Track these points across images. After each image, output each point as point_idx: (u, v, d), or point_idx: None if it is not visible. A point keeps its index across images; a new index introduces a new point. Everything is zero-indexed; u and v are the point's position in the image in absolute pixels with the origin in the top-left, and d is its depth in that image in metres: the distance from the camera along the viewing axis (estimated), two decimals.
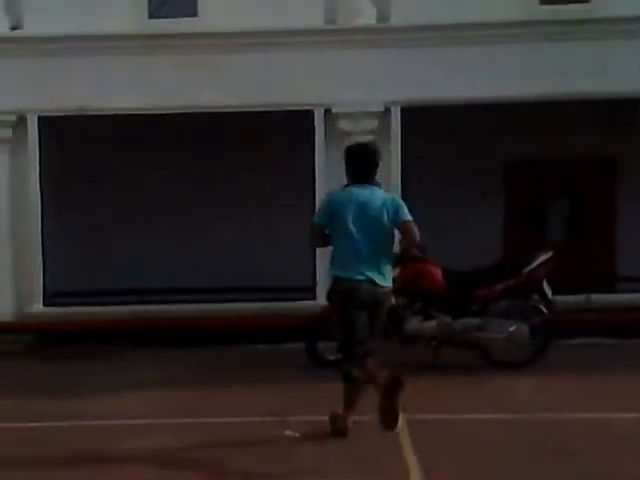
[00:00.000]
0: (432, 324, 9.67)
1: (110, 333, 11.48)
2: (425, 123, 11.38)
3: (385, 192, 7.26)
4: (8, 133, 11.90)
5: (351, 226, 6.97)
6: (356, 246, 6.99)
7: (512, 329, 9.54)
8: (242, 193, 12.58)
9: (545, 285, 9.74)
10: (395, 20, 11.55)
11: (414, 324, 9.70)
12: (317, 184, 11.58)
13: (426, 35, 11.35)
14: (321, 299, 11.21)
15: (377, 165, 7.21)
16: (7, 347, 11.62)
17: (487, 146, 12.45)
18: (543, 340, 9.65)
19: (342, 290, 7.13)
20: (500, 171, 13.09)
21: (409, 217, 7.09)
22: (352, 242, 6.99)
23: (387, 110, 11.55)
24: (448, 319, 9.66)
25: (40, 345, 11.69)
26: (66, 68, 11.63)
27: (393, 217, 7.02)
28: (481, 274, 9.72)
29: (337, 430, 7.27)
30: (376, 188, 7.14)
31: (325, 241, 7.32)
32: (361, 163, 7.19)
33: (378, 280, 7.09)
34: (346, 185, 7.19)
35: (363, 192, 7.06)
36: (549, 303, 9.76)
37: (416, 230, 7.09)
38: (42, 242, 11.88)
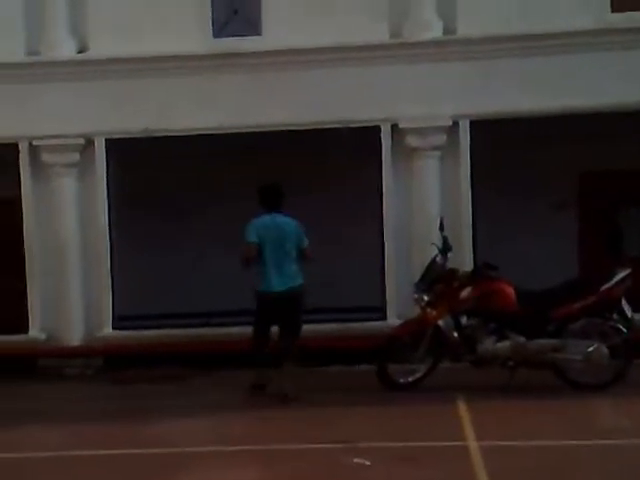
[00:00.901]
0: (506, 345, 9.38)
1: (179, 356, 11.37)
2: (495, 136, 11.09)
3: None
4: (76, 157, 11.91)
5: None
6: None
7: (590, 350, 9.20)
8: (309, 211, 12.32)
9: (624, 303, 9.38)
10: (462, 32, 11.30)
11: (488, 345, 9.42)
12: (385, 200, 11.39)
13: (494, 47, 11.10)
14: (391, 319, 11.09)
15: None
16: (77, 371, 11.69)
17: (560, 158, 12.09)
18: (623, 361, 9.28)
19: None
20: (575, 184, 12.69)
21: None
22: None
23: (455, 124, 11.31)
24: (523, 340, 9.35)
25: (110, 369, 11.64)
26: (132, 90, 11.61)
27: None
28: (556, 293, 9.39)
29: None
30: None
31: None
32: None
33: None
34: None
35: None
36: (629, 322, 9.38)
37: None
38: (111, 265, 11.85)
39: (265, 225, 9.52)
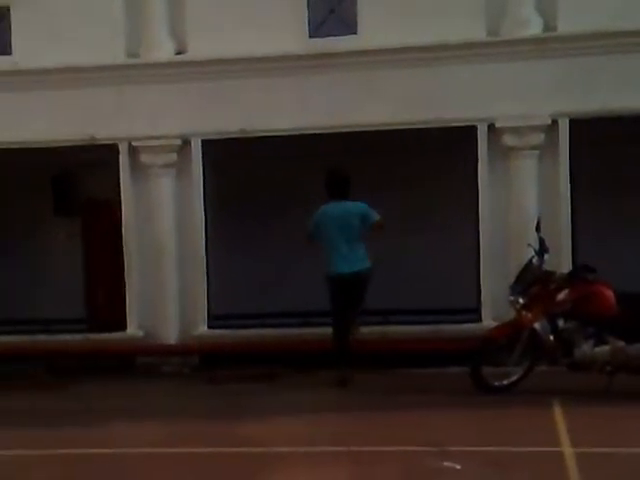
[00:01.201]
0: (605, 349, 9.14)
1: (274, 355, 11.41)
2: (595, 135, 10.86)
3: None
4: (173, 157, 12.03)
5: None
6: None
7: None
8: (404, 210, 12.30)
9: None
10: (562, 29, 11.06)
11: (586, 349, 9.20)
12: (481, 200, 11.22)
13: (595, 43, 10.83)
14: (487, 321, 10.92)
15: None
16: (174, 369, 11.83)
17: None
18: None
19: None
20: None
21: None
22: None
23: (554, 123, 11.08)
24: (622, 344, 9.09)
25: (205, 367, 11.74)
26: (228, 91, 11.67)
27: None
28: None
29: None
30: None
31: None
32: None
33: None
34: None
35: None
36: None
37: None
38: (206, 264, 11.94)
39: (326, 213, 10.20)
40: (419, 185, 12.28)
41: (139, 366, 11.97)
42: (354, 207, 10.15)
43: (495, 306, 10.80)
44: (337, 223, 10.11)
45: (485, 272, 11.17)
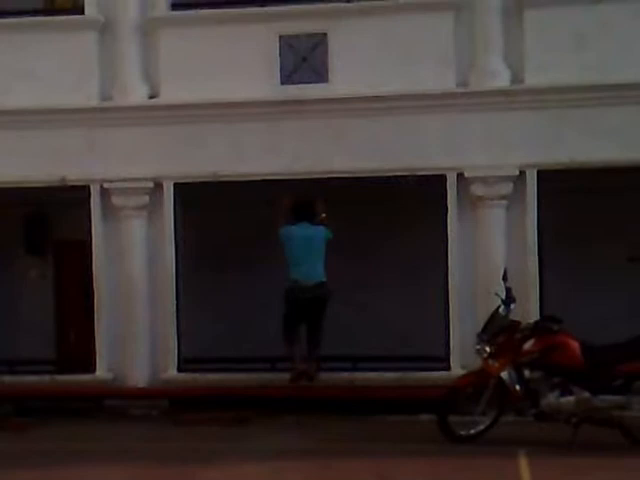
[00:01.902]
0: (570, 400, 9.22)
1: (243, 400, 11.41)
2: (563, 185, 11.04)
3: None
4: (145, 200, 12.09)
5: None
6: None
7: None
8: (371, 258, 12.42)
9: None
10: (530, 81, 11.24)
11: (551, 399, 9.28)
12: (450, 249, 11.34)
13: (562, 97, 11.01)
14: (456, 369, 11.02)
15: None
16: (143, 412, 11.79)
17: (633, 209, 11.80)
18: None
19: None
20: None
21: None
22: None
23: (522, 173, 11.25)
24: (587, 395, 9.20)
25: (174, 410, 11.71)
26: (200, 135, 11.79)
27: None
28: (623, 348, 9.21)
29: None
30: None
31: None
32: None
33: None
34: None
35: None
36: None
37: None
38: (177, 307, 11.97)
39: (292, 233, 11.23)
40: (389, 232, 12.35)
41: (107, 408, 11.94)
42: (318, 231, 11.22)
43: (464, 354, 10.89)
44: (303, 243, 11.13)
45: (454, 320, 11.27)
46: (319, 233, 11.22)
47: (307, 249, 11.12)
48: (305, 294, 11.12)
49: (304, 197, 11.35)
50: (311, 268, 11.11)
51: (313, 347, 11.29)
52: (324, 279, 11.16)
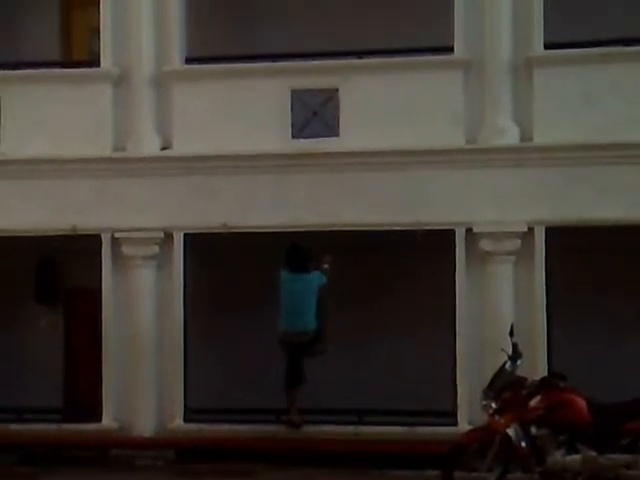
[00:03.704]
0: (576, 458, 9.14)
1: (251, 451, 11.41)
2: (572, 242, 11.11)
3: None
4: (155, 250, 12.17)
5: None
6: None
7: None
8: (380, 309, 12.46)
9: None
10: (538, 139, 11.34)
11: (557, 457, 9.20)
12: (457, 303, 11.38)
13: (570, 155, 11.11)
14: (462, 425, 10.99)
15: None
16: (148, 462, 11.77)
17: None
18: None
19: None
20: None
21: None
22: None
23: (530, 229, 11.31)
24: (594, 454, 9.15)
25: (181, 461, 11.72)
26: (212, 187, 11.91)
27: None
28: (631, 406, 9.15)
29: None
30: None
31: None
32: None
33: None
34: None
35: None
36: None
37: None
38: (184, 357, 12.00)
39: (287, 283, 11.33)
40: (396, 285, 12.42)
41: (113, 458, 11.93)
42: (313, 279, 11.30)
43: (471, 410, 10.85)
44: (294, 294, 11.24)
45: (461, 375, 11.26)
46: (311, 282, 11.28)
47: (296, 300, 11.23)
48: (292, 339, 11.28)
49: (300, 246, 11.44)
50: (299, 318, 11.23)
51: (293, 382, 11.43)
52: (313, 327, 11.26)
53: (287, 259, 11.44)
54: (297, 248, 11.42)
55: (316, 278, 11.29)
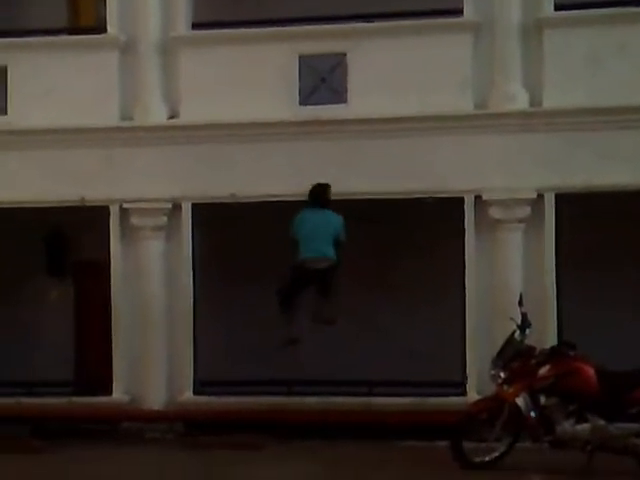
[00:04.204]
0: (586, 427, 9.03)
1: (260, 424, 11.33)
2: (582, 209, 10.92)
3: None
4: (163, 220, 12.07)
5: None
6: None
7: None
8: (389, 279, 12.34)
9: None
10: (548, 104, 11.14)
11: (566, 427, 9.08)
12: (467, 272, 11.22)
13: (581, 119, 10.91)
14: (472, 395, 10.87)
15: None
16: (158, 435, 11.74)
17: None
18: None
19: None
20: None
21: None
22: None
23: (540, 197, 11.13)
24: (603, 423, 9.00)
25: (190, 434, 11.66)
26: (219, 155, 11.75)
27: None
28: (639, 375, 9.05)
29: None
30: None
31: None
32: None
33: None
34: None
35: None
36: None
37: None
38: (194, 329, 11.92)
39: (306, 215, 10.95)
40: (406, 254, 12.27)
41: (124, 431, 11.90)
42: (333, 217, 10.90)
43: (480, 380, 10.71)
44: (313, 226, 10.80)
45: (470, 345, 11.14)
46: (331, 218, 10.89)
47: (317, 231, 10.80)
48: (314, 265, 10.73)
49: (324, 184, 11.05)
50: (320, 246, 10.75)
51: (326, 295, 10.84)
52: (332, 255, 10.76)
53: (310, 195, 11.07)
54: (321, 185, 11.07)
55: (335, 219, 10.90)
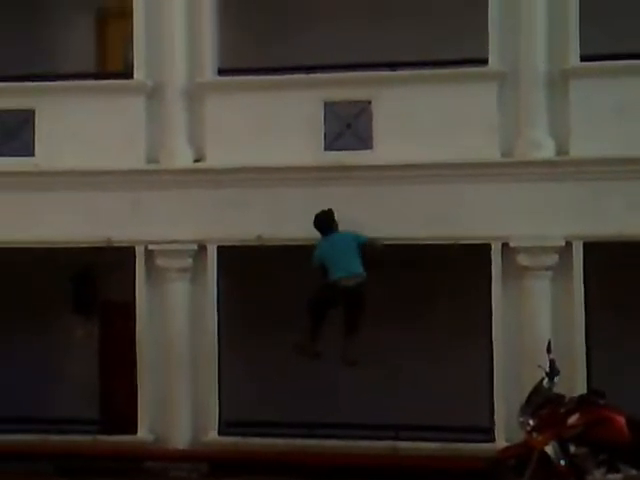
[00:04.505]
0: (617, 477, 9.09)
1: (284, 465, 11.42)
2: (610, 258, 11.04)
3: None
4: (189, 262, 12.17)
5: None
6: None
7: None
8: (419, 326, 12.44)
9: None
10: (574, 153, 11.27)
11: (597, 476, 9.13)
12: (494, 319, 11.31)
13: (607, 168, 11.01)
14: (500, 441, 10.94)
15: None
16: (183, 474, 11.82)
17: None
18: None
19: None
20: None
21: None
22: None
23: (568, 245, 11.23)
24: (635, 472, 9.08)
25: (214, 474, 11.74)
26: (244, 199, 11.87)
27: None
28: None
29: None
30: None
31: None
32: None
33: None
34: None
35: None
36: None
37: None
38: (218, 371, 12.00)
39: (324, 245, 11.28)
40: (434, 300, 12.40)
41: (148, 469, 11.96)
42: (346, 235, 11.28)
43: (509, 427, 10.76)
44: (334, 247, 11.16)
45: (498, 392, 11.18)
46: (347, 236, 11.23)
47: (341, 250, 11.13)
48: (346, 283, 11.00)
49: (322, 211, 11.38)
50: (349, 263, 11.07)
51: (351, 330, 11.06)
52: (362, 271, 11.06)
53: (320, 224, 11.42)
54: (325, 212, 11.40)
55: (351, 235, 11.25)
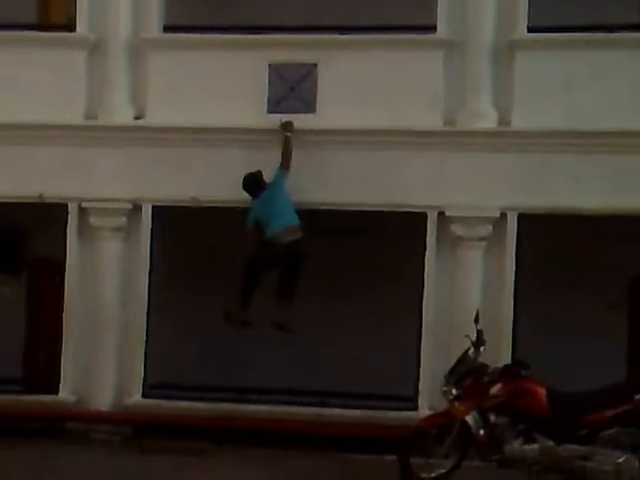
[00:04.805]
0: (534, 448, 8.91)
1: (209, 430, 11.22)
2: (544, 231, 10.90)
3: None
4: (123, 221, 11.94)
5: None
6: None
7: (620, 460, 8.63)
8: (346, 295, 12.30)
9: None
10: (516, 124, 11.17)
11: (514, 446, 8.96)
12: (426, 288, 11.19)
13: (548, 141, 10.93)
14: (423, 410, 10.80)
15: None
16: (104, 437, 11.57)
17: (611, 259, 11.71)
18: None
19: None
20: (626, 286, 12.28)
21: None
22: None
23: (503, 216, 11.13)
24: (551, 444, 8.91)
25: (137, 436, 11.51)
26: (183, 159, 11.66)
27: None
28: (591, 397, 8.92)
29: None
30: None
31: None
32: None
33: None
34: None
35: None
36: None
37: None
38: (146, 332, 11.76)
39: (258, 206, 11.14)
40: (367, 268, 12.24)
41: (69, 431, 11.71)
42: (271, 187, 11.17)
43: (433, 395, 10.66)
44: (269, 204, 11.03)
45: (425, 360, 11.09)
46: (274, 187, 11.13)
47: (272, 204, 11.03)
48: (284, 240, 10.88)
49: (248, 174, 11.24)
50: (283, 216, 10.99)
51: (286, 293, 10.99)
52: (298, 223, 11.00)
53: (249, 186, 11.29)
54: (253, 174, 11.28)
55: (272, 186, 11.15)
